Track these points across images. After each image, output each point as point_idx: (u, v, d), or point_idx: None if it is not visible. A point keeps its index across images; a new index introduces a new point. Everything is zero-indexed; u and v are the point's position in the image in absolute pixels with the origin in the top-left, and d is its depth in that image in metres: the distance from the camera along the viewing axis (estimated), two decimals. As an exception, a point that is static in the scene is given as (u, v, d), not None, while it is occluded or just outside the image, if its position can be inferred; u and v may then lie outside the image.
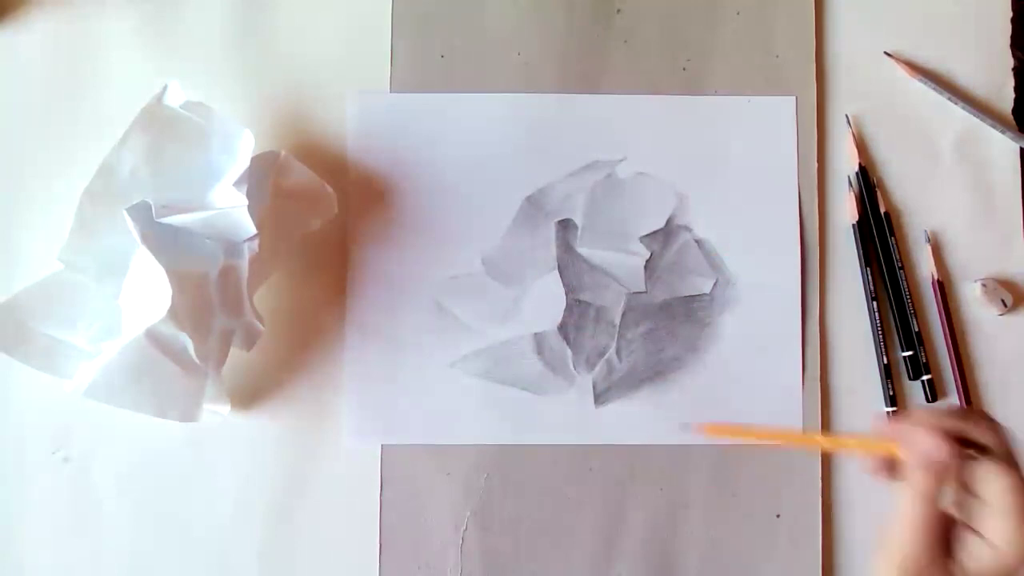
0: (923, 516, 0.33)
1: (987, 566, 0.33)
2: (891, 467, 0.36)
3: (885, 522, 0.35)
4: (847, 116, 0.57)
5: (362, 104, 0.56)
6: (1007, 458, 0.33)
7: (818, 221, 0.56)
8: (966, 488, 0.34)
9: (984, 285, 0.55)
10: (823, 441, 0.53)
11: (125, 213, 0.48)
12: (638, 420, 0.54)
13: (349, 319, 0.54)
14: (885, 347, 0.55)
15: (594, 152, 0.56)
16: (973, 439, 0.34)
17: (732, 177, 0.56)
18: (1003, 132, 0.56)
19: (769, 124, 0.56)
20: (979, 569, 0.33)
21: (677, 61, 0.57)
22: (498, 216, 0.55)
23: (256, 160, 0.51)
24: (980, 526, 0.33)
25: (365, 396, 0.54)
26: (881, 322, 0.55)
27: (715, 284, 0.55)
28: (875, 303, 0.55)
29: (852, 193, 0.56)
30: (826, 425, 0.55)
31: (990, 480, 0.33)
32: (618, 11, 0.57)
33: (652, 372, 0.55)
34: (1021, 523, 0.32)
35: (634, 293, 0.55)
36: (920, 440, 0.33)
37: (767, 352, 0.55)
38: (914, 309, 0.55)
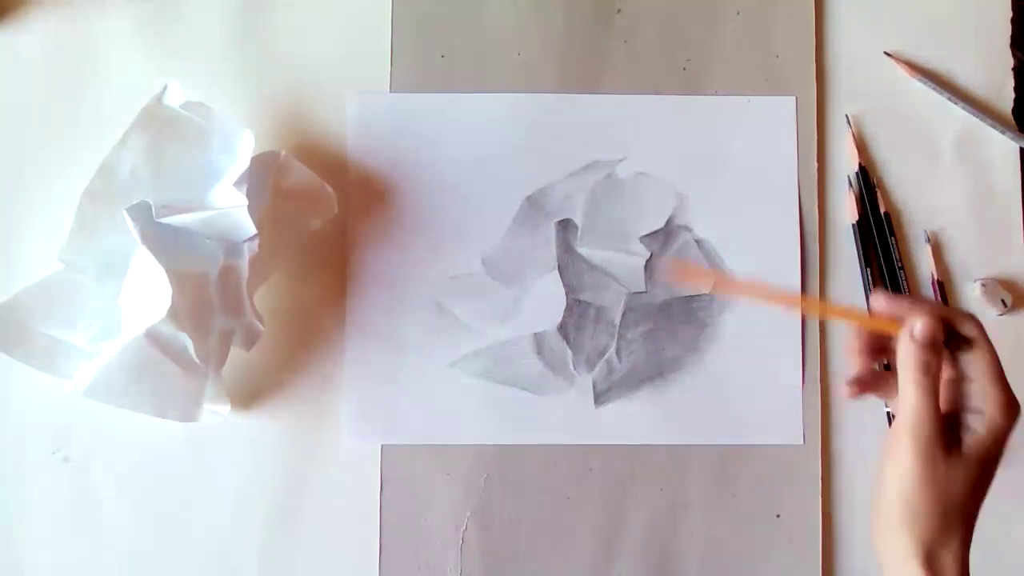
0: (924, 391, 0.37)
1: (983, 435, 0.37)
2: (879, 349, 0.41)
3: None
4: (847, 116, 0.57)
5: (362, 104, 0.56)
6: (987, 344, 0.38)
7: (818, 221, 0.56)
8: (958, 374, 0.38)
9: (984, 285, 0.55)
10: (821, 307, 0.50)
11: (125, 213, 0.48)
12: (638, 420, 0.55)
13: (349, 319, 0.54)
14: (885, 347, 0.55)
15: (594, 152, 0.56)
16: (958, 330, 0.39)
17: (732, 177, 0.56)
18: (1003, 132, 0.56)
19: (769, 124, 0.56)
20: (977, 441, 0.37)
21: (677, 61, 0.57)
22: (498, 216, 0.55)
23: (256, 160, 0.51)
24: (971, 403, 0.38)
25: (365, 396, 0.54)
26: (881, 322, 0.55)
27: (715, 284, 0.55)
28: (873, 294, 0.55)
29: (852, 193, 0.56)
30: (826, 426, 0.55)
31: (976, 361, 0.38)
32: (618, 11, 0.57)
33: (652, 372, 0.55)
34: (1004, 389, 0.38)
35: (634, 293, 0.55)
36: (921, 318, 0.38)
37: (767, 352, 0.55)
38: (914, 309, 0.55)
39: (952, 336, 0.39)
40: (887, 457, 0.39)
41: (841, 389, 0.43)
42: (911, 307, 0.39)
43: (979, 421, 0.38)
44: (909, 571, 0.38)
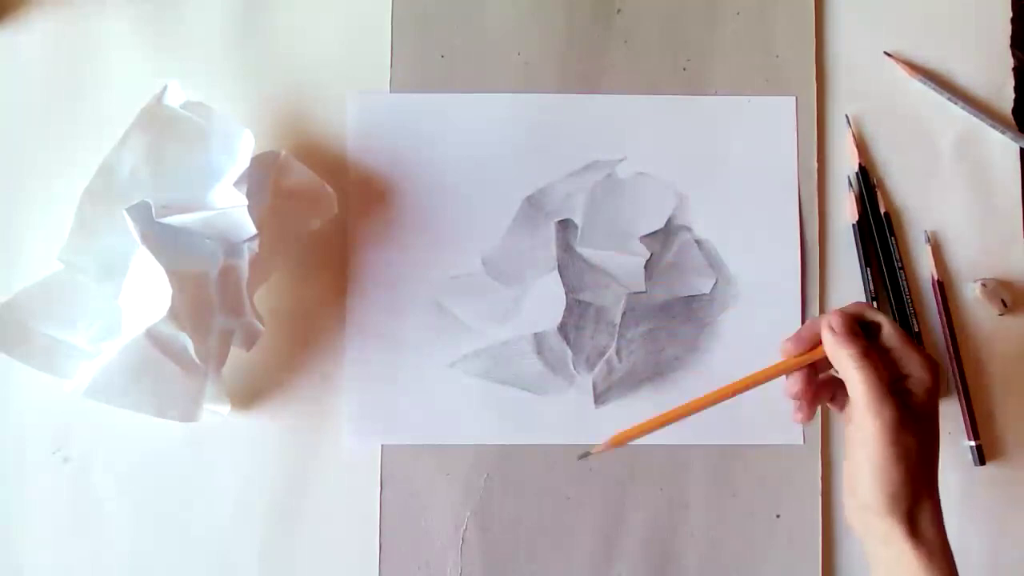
0: (867, 373, 0.40)
1: (920, 395, 0.42)
2: (813, 381, 0.45)
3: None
4: (847, 116, 0.57)
5: (362, 104, 0.56)
6: (890, 320, 0.43)
7: (818, 221, 0.56)
8: (880, 351, 0.42)
9: (984, 285, 0.55)
10: (755, 380, 0.49)
11: (125, 213, 0.48)
12: (638, 420, 0.54)
13: (349, 319, 0.54)
14: (885, 347, 0.55)
15: (594, 152, 0.56)
16: (864, 318, 0.43)
17: (732, 177, 0.56)
18: (1003, 132, 0.56)
19: (769, 124, 0.56)
20: (917, 401, 0.42)
21: (677, 61, 0.57)
22: (498, 216, 0.55)
23: (256, 160, 0.51)
24: (900, 371, 0.42)
25: (365, 396, 0.54)
26: (881, 322, 0.55)
27: (715, 284, 0.55)
28: (875, 303, 0.55)
29: (852, 193, 0.56)
30: (826, 426, 0.55)
31: (888, 336, 0.43)
32: (618, 11, 0.57)
33: (652, 372, 0.55)
34: (920, 351, 0.42)
35: (634, 293, 0.55)
36: (829, 316, 0.42)
37: (767, 352, 0.55)
38: (914, 309, 0.55)
39: (861, 326, 0.43)
40: (854, 445, 0.41)
41: (795, 418, 0.45)
42: (815, 323, 0.43)
43: (913, 384, 0.42)
44: (895, 541, 0.40)
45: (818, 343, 0.43)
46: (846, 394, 0.42)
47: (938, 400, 0.42)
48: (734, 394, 0.45)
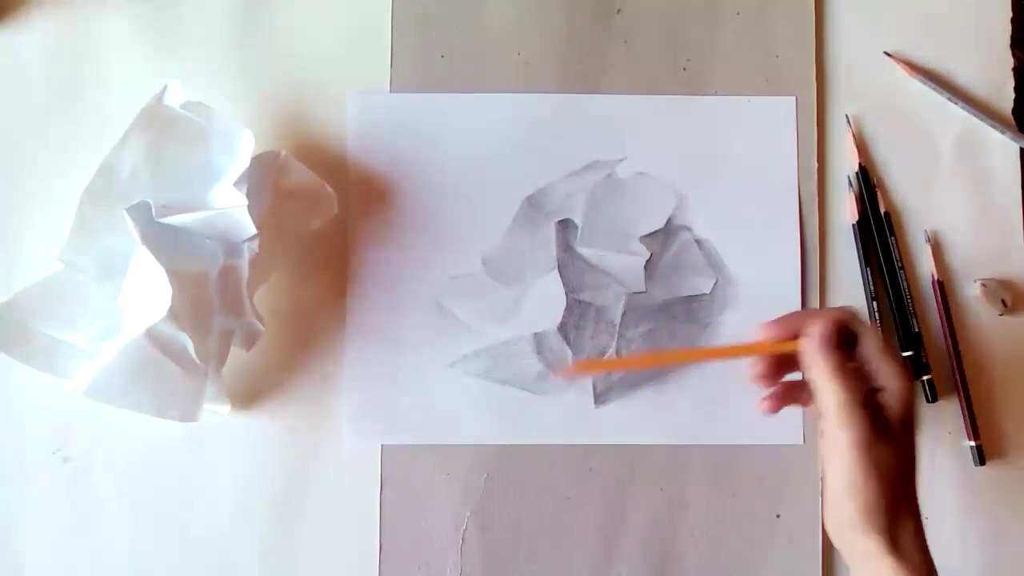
0: (843, 386, 0.40)
1: (896, 407, 0.41)
2: (777, 368, 0.44)
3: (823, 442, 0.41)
4: (847, 116, 0.57)
5: (362, 104, 0.56)
6: (870, 328, 0.42)
7: (818, 221, 0.56)
8: (856, 362, 0.42)
9: (984, 285, 0.55)
10: (725, 351, 0.50)
11: (125, 213, 0.48)
12: (638, 420, 0.54)
13: (349, 319, 0.54)
14: (885, 347, 0.55)
15: (594, 152, 0.56)
16: (846, 325, 0.42)
17: (732, 177, 0.56)
18: (1003, 132, 0.56)
19: (769, 124, 0.56)
20: (894, 414, 0.41)
21: (677, 61, 0.57)
22: (498, 216, 0.55)
23: (256, 160, 0.51)
24: (876, 383, 0.41)
25: (365, 396, 0.54)
26: (881, 322, 0.55)
27: (715, 284, 0.55)
28: (875, 303, 0.55)
29: (852, 193, 0.56)
30: (826, 425, 0.55)
31: (866, 345, 0.41)
32: (618, 11, 0.57)
33: (652, 372, 0.55)
34: (895, 360, 0.41)
35: (634, 293, 0.55)
36: (814, 323, 0.41)
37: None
38: (914, 309, 0.55)
39: (843, 333, 0.42)
40: (828, 460, 0.40)
41: (759, 406, 0.45)
42: (800, 318, 0.42)
43: (888, 397, 0.41)
44: (874, 557, 0.39)
45: (796, 336, 0.42)
46: (812, 398, 0.42)
47: (914, 414, 0.41)
48: (704, 358, 0.45)
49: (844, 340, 0.42)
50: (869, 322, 0.43)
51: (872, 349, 0.41)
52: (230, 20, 0.56)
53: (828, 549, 0.54)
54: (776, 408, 0.45)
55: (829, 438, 0.40)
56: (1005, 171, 0.57)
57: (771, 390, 0.44)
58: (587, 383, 0.54)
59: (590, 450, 0.54)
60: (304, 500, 0.54)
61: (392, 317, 0.55)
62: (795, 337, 0.42)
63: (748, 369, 0.44)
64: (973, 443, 0.54)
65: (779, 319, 0.43)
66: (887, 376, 0.41)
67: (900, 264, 0.55)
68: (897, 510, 0.40)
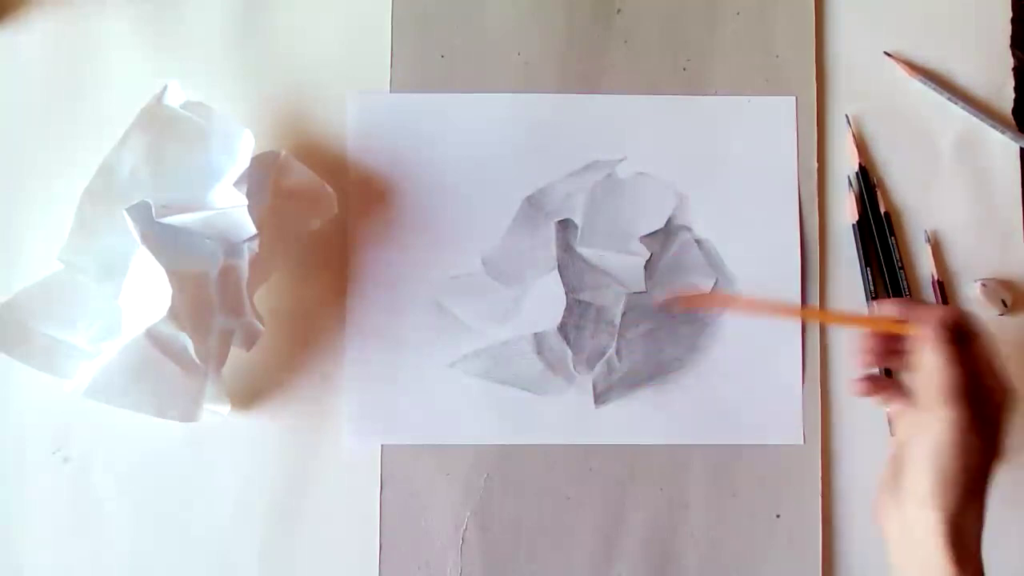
0: (957, 369, 0.40)
1: (992, 407, 0.41)
2: (885, 353, 0.44)
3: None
4: (847, 116, 0.57)
5: (362, 104, 0.56)
6: (988, 338, 0.43)
7: (818, 221, 0.56)
8: (973, 360, 0.42)
9: (984, 285, 0.55)
10: (828, 316, 0.52)
11: (125, 213, 0.48)
12: (638, 420, 0.55)
13: (349, 319, 0.54)
14: (885, 347, 0.55)
15: (594, 152, 0.56)
16: (964, 326, 0.42)
17: (732, 177, 0.56)
18: (1003, 132, 0.56)
19: (769, 124, 0.56)
20: (992, 412, 0.41)
21: (677, 61, 0.57)
22: (498, 216, 0.55)
23: (256, 160, 0.51)
24: (984, 382, 0.42)
25: (365, 396, 0.54)
26: (881, 322, 0.55)
27: (715, 284, 0.55)
28: (875, 303, 0.55)
29: (852, 193, 0.56)
30: (826, 426, 0.55)
31: (983, 350, 0.42)
32: (618, 11, 0.57)
33: (652, 372, 0.55)
34: (1002, 374, 0.42)
35: (634, 293, 0.55)
36: (934, 313, 0.42)
37: (767, 352, 0.55)
38: (914, 309, 0.55)
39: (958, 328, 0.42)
40: (915, 433, 0.41)
41: (849, 386, 0.46)
42: (918, 306, 0.43)
43: (989, 396, 0.41)
44: (931, 545, 0.40)
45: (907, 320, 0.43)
46: (902, 395, 0.43)
47: (1009, 424, 0.42)
48: (817, 319, 0.48)
49: (958, 336, 0.42)
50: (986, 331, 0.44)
51: (984, 352, 0.42)
52: (230, 20, 0.56)
53: (828, 549, 0.54)
54: (871, 392, 0.46)
55: (926, 414, 0.41)
56: (1005, 171, 0.57)
57: (867, 372, 0.45)
58: (587, 383, 0.55)
59: (590, 450, 0.54)
60: (304, 500, 0.54)
61: (392, 317, 0.55)
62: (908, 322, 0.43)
63: (862, 340, 0.45)
64: (973, 443, 0.54)
65: (895, 302, 0.45)
66: (992, 379, 0.42)
67: (900, 264, 0.55)
68: (970, 496, 0.40)
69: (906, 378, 0.44)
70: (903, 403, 0.45)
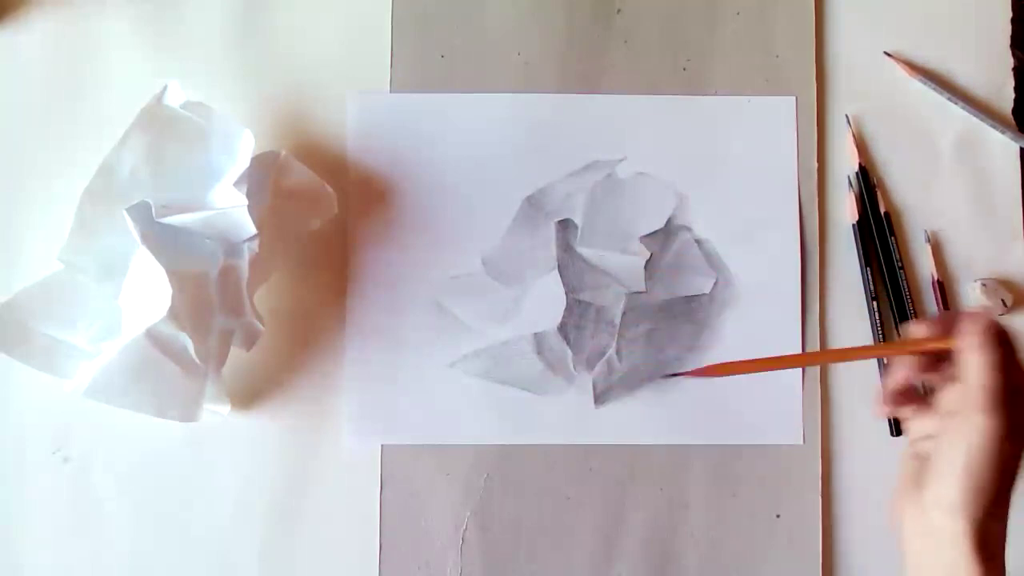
0: (999, 372, 0.39)
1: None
2: (930, 367, 0.43)
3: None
4: (847, 116, 0.57)
5: (362, 104, 0.56)
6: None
7: (818, 221, 0.56)
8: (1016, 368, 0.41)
9: (984, 285, 0.55)
10: (879, 350, 0.51)
11: (125, 213, 0.48)
12: (638, 420, 0.55)
13: (349, 319, 0.54)
14: (885, 347, 0.55)
15: (594, 152, 0.56)
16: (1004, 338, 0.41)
17: (732, 177, 0.56)
18: (1003, 132, 0.56)
19: (769, 124, 0.56)
20: None
21: (677, 61, 0.57)
22: (498, 216, 0.55)
23: (256, 160, 0.51)
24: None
25: (365, 396, 0.54)
26: (881, 322, 0.55)
27: (715, 284, 0.55)
28: (875, 303, 0.55)
29: (852, 193, 0.56)
30: (826, 426, 0.55)
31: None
32: (618, 11, 0.57)
33: (652, 372, 0.55)
34: None
35: (634, 293, 0.55)
36: (976, 320, 0.41)
37: (767, 352, 0.55)
38: (914, 309, 0.55)
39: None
40: (948, 434, 0.40)
41: (874, 411, 0.45)
42: (955, 318, 0.42)
43: None
44: (957, 552, 0.39)
45: (948, 335, 0.41)
46: (926, 407, 0.42)
47: None
48: (857, 357, 0.47)
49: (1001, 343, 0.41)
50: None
51: (1019, 359, 0.41)
52: (230, 20, 0.56)
53: (828, 549, 0.54)
54: (896, 410, 0.45)
55: (956, 417, 0.40)
56: (1005, 171, 0.57)
57: (893, 391, 0.44)
58: (587, 383, 0.55)
59: (590, 450, 0.54)
60: (304, 500, 0.54)
61: (392, 317, 0.55)
62: (946, 336, 0.42)
63: (893, 376, 0.44)
64: (973, 443, 0.54)
65: (924, 321, 0.43)
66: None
67: (900, 264, 0.55)
68: (998, 504, 0.40)
69: (938, 390, 0.43)
70: (926, 414, 0.43)
